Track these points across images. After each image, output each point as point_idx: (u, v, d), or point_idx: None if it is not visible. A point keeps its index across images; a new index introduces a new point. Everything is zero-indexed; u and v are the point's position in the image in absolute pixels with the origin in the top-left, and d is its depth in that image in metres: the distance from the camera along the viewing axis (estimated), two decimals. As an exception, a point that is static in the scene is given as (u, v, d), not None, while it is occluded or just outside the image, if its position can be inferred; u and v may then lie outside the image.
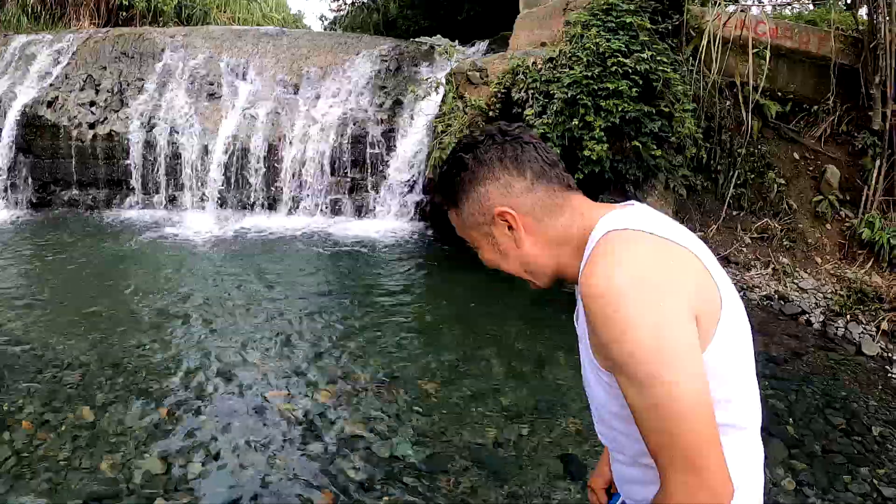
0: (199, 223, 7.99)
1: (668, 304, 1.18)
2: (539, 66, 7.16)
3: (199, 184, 8.77)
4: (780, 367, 5.85)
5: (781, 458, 4.51)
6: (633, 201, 1.45)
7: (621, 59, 6.51)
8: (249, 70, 9.87)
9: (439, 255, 7.57)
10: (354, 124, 8.83)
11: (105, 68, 9.86)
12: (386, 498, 3.73)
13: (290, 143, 8.88)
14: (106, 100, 9.38)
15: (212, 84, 9.74)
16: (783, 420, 5.02)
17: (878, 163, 8.10)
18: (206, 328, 5.38)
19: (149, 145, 8.89)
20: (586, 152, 6.68)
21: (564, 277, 1.47)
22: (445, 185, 1.47)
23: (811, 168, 8.54)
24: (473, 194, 1.40)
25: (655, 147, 6.87)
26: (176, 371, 4.74)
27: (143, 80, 9.71)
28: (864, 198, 8.13)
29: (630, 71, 6.52)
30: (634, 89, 6.53)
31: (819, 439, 4.87)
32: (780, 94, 8.59)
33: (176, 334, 5.24)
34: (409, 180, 8.52)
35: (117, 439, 3.93)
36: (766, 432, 4.79)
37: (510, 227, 1.41)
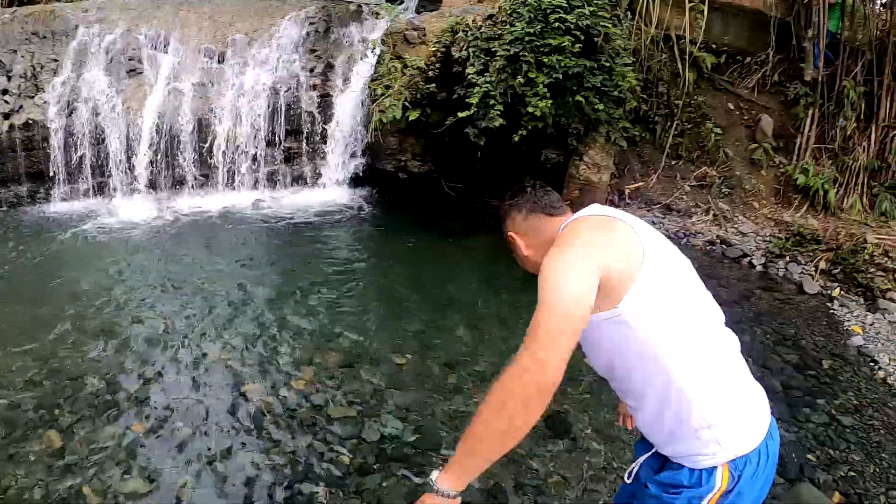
0: (131, 210, 7.49)
1: (575, 256, 1.77)
2: (479, 24, 7.07)
3: (128, 168, 8.33)
4: (731, 309, 5.96)
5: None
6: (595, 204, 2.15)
7: (563, 14, 6.48)
8: (171, 41, 9.41)
9: (386, 219, 7.47)
10: (287, 91, 8.52)
11: (15, 52, 9.18)
12: (385, 482, 3.66)
13: (220, 115, 8.56)
14: (19, 86, 8.78)
15: (132, 59, 9.23)
16: (741, 358, 5.15)
17: (810, 112, 8.34)
18: (160, 325, 4.99)
19: (70, 131, 8.35)
20: (530, 108, 6.65)
21: None
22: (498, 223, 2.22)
23: (746, 118, 8.72)
24: (503, 226, 2.18)
25: (597, 101, 6.89)
26: (139, 378, 4.36)
27: (57, 61, 9.14)
28: (797, 145, 8.36)
29: (572, 27, 6.49)
30: (576, 45, 6.51)
31: (776, 376, 5.01)
32: (714, 46, 8.73)
33: (129, 337, 4.82)
34: (348, 146, 8.34)
35: (94, 462, 3.60)
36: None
37: (518, 246, 2.12)
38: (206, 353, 4.67)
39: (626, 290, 1.77)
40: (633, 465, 2.19)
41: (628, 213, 1.99)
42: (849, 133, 8.24)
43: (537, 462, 3.89)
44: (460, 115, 6.79)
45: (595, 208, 2.03)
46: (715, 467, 1.87)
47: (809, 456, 4.16)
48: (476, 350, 5.00)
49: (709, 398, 1.85)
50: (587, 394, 4.55)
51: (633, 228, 1.87)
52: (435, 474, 1.71)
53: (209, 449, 3.79)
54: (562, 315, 1.64)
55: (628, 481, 2.20)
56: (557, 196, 2.15)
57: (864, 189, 8.06)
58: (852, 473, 4.06)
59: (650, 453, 2.11)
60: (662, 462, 2.03)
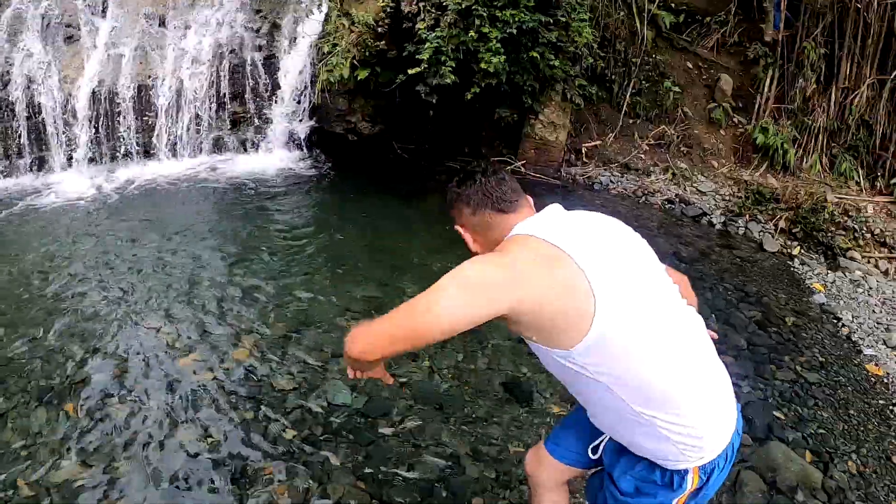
0: (71, 185, 6.99)
1: (478, 278, 1.67)
2: (429, -24, 6.75)
3: (67, 141, 7.86)
4: (693, 267, 5.80)
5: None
6: (554, 205, 1.94)
7: (517, -35, 6.19)
8: (110, 5, 8.94)
9: (336, 183, 7.13)
10: (231, 53, 8.11)
11: (-55, 23, 8.69)
12: (333, 456, 3.39)
13: (162, 81, 8.12)
14: (-50, 60, 8.29)
15: (69, 26, 8.69)
16: (705, 316, 4.95)
17: (770, 73, 8.18)
18: (99, 303, 4.56)
19: (4, 104, 7.85)
20: (482, 65, 6.37)
21: None
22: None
23: (705, 77, 8.54)
24: (451, 214, 2.06)
25: (553, 57, 6.63)
26: (76, 359, 3.94)
27: (-9, 31, 8.60)
28: (756, 105, 8.21)
29: (526, -22, 6.21)
30: (531, -1, 6.24)
31: (741, 333, 4.84)
32: (673, 5, 8.50)
33: (68, 317, 4.37)
34: (295, 108, 7.98)
35: (28, 452, 3.28)
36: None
37: (467, 240, 2.04)
38: (147, 329, 4.28)
39: (577, 338, 1.67)
40: (600, 439, 2.15)
41: (581, 223, 1.87)
42: (808, 94, 8.09)
43: (496, 429, 3.66)
44: (410, 72, 6.48)
45: (549, 220, 1.86)
46: (687, 470, 1.85)
47: (777, 414, 3.99)
48: (427, 312, 4.74)
49: (672, 418, 1.76)
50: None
51: (579, 266, 1.66)
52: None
53: (147, 429, 3.47)
54: (416, 326, 1.65)
55: (594, 457, 2.18)
56: (512, 186, 1.97)
57: (824, 149, 7.94)
58: (822, 431, 3.91)
59: (607, 439, 2.11)
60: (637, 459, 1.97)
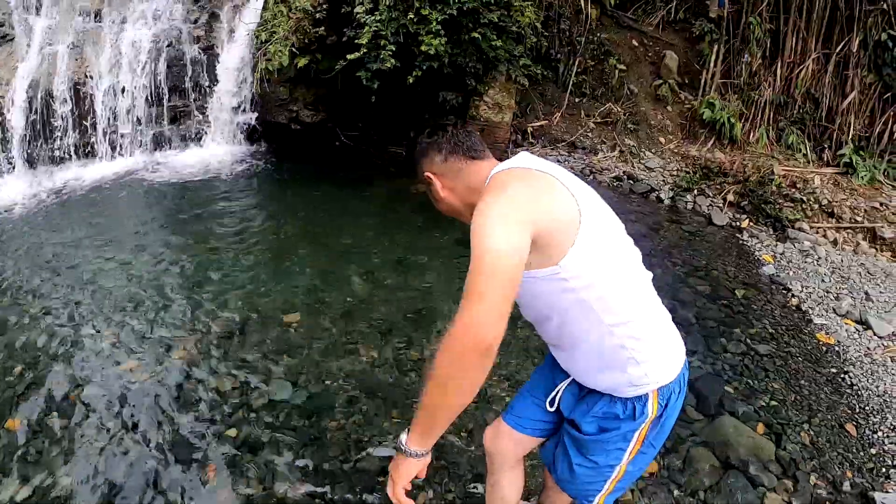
0: (7, 191, 6.70)
1: (504, 210, 1.64)
2: (365, -43, 6.57)
3: (2, 145, 7.53)
4: (640, 243, 5.64)
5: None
6: (523, 152, 1.98)
7: (455, -57, 6.05)
8: (44, 2, 8.63)
9: (280, 174, 6.93)
10: (168, 46, 7.86)
11: None
12: (276, 456, 3.26)
13: (99, 78, 7.85)
14: None
15: (2, 26, 8.42)
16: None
17: (715, 48, 8.16)
18: (36, 313, 4.30)
19: None
20: (423, 48, 6.21)
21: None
22: (413, 161, 2.22)
23: (650, 54, 8.49)
24: (418, 166, 2.06)
25: (495, 38, 6.50)
26: (13, 372, 3.74)
27: (-82, 33, 8.23)
28: (702, 81, 8.20)
29: (465, -43, 6.07)
30: (471, -23, 6.10)
31: (689, 308, 4.79)
32: (617, -18, 8.43)
33: (5, 324, 4.16)
34: (236, 100, 7.76)
35: None
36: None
37: (435, 186, 2.01)
38: (85, 335, 4.08)
39: (565, 250, 1.73)
40: (554, 392, 2.21)
41: (555, 165, 1.90)
42: (754, 69, 8.10)
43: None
44: (350, 57, 6.31)
45: (524, 159, 1.90)
46: (647, 395, 1.95)
47: (728, 388, 3.93)
48: (371, 299, 4.61)
49: (637, 340, 1.89)
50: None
51: (564, 185, 1.78)
52: (403, 437, 1.75)
53: (88, 438, 3.30)
54: (495, 272, 1.55)
55: (551, 409, 2.22)
56: (479, 139, 2.04)
57: (770, 123, 7.96)
58: (774, 403, 3.86)
59: (569, 381, 2.16)
60: (585, 391, 2.09)
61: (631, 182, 7.19)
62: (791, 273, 5.58)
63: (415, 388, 3.74)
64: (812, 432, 3.67)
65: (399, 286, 4.78)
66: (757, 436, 3.53)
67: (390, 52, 6.20)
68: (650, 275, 2.02)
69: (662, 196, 6.99)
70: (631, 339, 1.87)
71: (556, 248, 1.73)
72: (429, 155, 2.02)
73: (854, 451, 3.60)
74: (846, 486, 3.34)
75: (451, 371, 1.57)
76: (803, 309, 5.03)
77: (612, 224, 1.90)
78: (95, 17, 8.39)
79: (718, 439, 3.47)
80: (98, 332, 4.10)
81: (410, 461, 1.73)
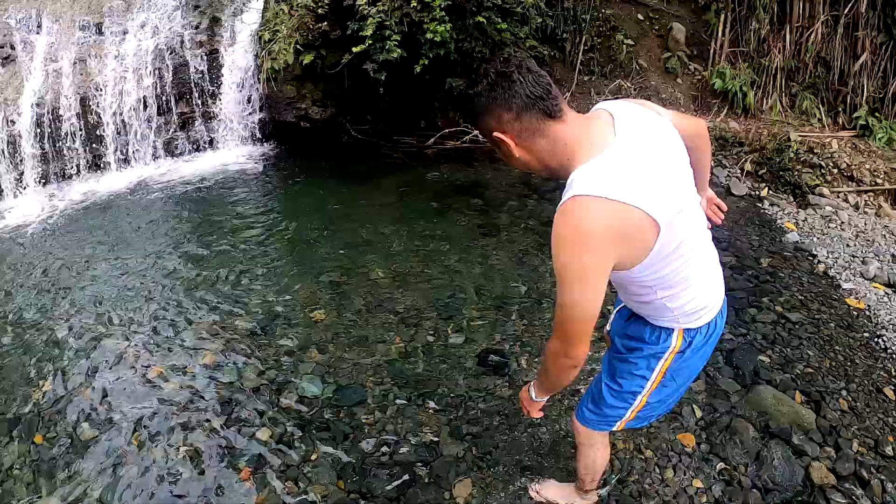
0: (23, 209, 6.62)
1: (586, 257, 1.72)
2: (364, -52, 6.52)
3: (13, 164, 7.52)
4: (663, 220, 5.69)
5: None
6: (609, 107, 1.90)
7: (454, -73, 5.99)
8: (44, 20, 8.60)
9: (293, 172, 6.90)
10: (172, 53, 7.82)
11: None
12: (311, 453, 3.25)
13: (104, 90, 7.84)
14: None
15: (2, 47, 8.41)
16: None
17: (722, 17, 8.03)
18: (60, 327, 4.25)
19: None
20: (429, 35, 6.16)
21: (556, 177, 1.90)
22: (465, 114, 2.17)
23: (657, 27, 8.39)
24: (480, 123, 1.87)
25: (500, 20, 6.44)
26: (41, 386, 3.74)
27: (-76, 57, 8.22)
28: (711, 51, 8.08)
29: (464, -60, 6.01)
30: (472, -39, 6.05)
31: (717, 279, 4.73)
32: (618, -44, 8.34)
33: (29, 343, 4.13)
34: (244, 101, 7.74)
35: (3, 488, 3.13)
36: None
37: (508, 146, 1.85)
38: (111, 345, 4.05)
39: (637, 263, 1.87)
40: (611, 315, 2.57)
41: (648, 142, 1.84)
42: (763, 35, 7.96)
43: (475, 404, 3.52)
44: (355, 50, 6.27)
45: (603, 171, 1.75)
46: (672, 329, 2.14)
47: (762, 357, 3.87)
48: (395, 290, 4.57)
49: (677, 303, 2.06)
50: (522, 323, 4.18)
51: (646, 210, 1.72)
52: (533, 391, 2.28)
53: (119, 449, 3.29)
54: (583, 318, 1.81)
55: (608, 328, 2.58)
56: (548, 80, 1.83)
57: (783, 89, 7.84)
58: (809, 370, 3.80)
59: (621, 305, 2.44)
60: (631, 313, 2.29)
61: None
62: (815, 239, 5.51)
63: (447, 377, 3.72)
64: (850, 398, 3.61)
65: (422, 275, 4.75)
66: (796, 404, 3.48)
67: (395, 43, 6.16)
68: (705, 221, 2.18)
69: (679, 170, 6.91)
70: (673, 300, 2.05)
71: (628, 264, 1.87)
72: (494, 113, 1.80)
73: (894, 414, 3.54)
74: (889, 451, 3.28)
75: (554, 374, 2.04)
76: (830, 275, 4.96)
77: (684, 214, 1.90)
78: (97, 30, 8.39)
79: (758, 410, 3.43)
80: (123, 341, 4.08)
81: (537, 403, 2.31)
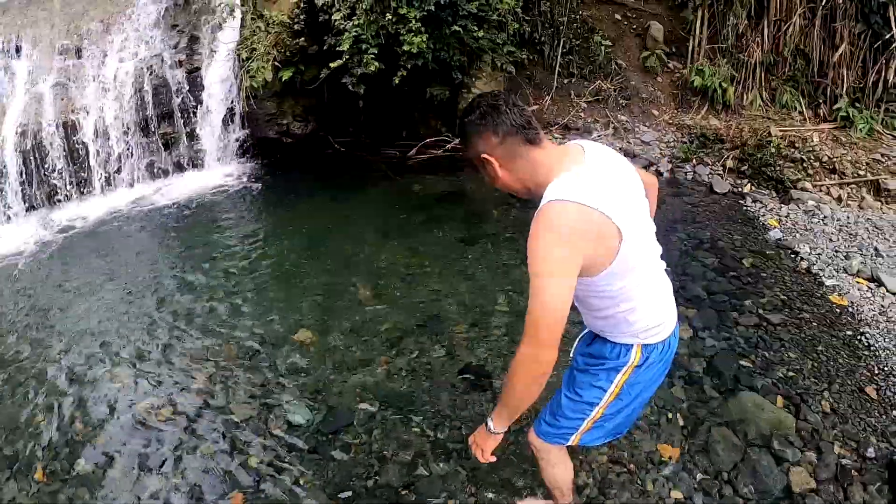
0: (10, 238, 6.60)
1: (560, 262, 1.88)
2: (337, -37, 6.52)
3: None
4: (645, 223, 5.70)
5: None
6: (580, 142, 2.20)
7: (427, -63, 5.99)
8: (23, 45, 8.56)
9: (276, 189, 6.88)
10: (151, 74, 7.80)
11: None
12: (300, 479, 3.26)
13: (86, 114, 7.81)
14: None
15: (-20, 74, 8.37)
16: (660, 270, 4.89)
17: (699, 13, 8.04)
18: (51, 360, 4.24)
19: None
20: (405, 47, 6.17)
21: (533, 197, 2.09)
22: (461, 138, 2.19)
23: (634, 26, 8.41)
24: (471, 146, 2.11)
25: (476, 28, 6.45)
26: (36, 421, 3.72)
27: None
28: (690, 48, 8.10)
29: (438, -50, 6.01)
30: (446, -29, 6.05)
31: (698, 282, 4.76)
32: (593, -43, 8.35)
33: (16, 377, 4.08)
34: (225, 119, 7.72)
35: None
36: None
37: (491, 167, 2.09)
38: (102, 377, 4.05)
39: (601, 271, 2.02)
40: (575, 343, 2.58)
41: (609, 170, 2.09)
42: (741, 30, 7.98)
43: (461, 422, 3.53)
44: (332, 65, 6.28)
45: (572, 181, 1.98)
46: (632, 345, 2.27)
47: (744, 362, 3.90)
48: (379, 309, 4.58)
49: (637, 317, 2.21)
50: (505, 338, 4.19)
51: (611, 217, 1.93)
52: (490, 422, 2.20)
53: (115, 481, 3.30)
54: (552, 325, 1.89)
55: (571, 354, 2.57)
56: (530, 114, 2.13)
57: (763, 84, 7.86)
58: (790, 373, 3.83)
59: (586, 332, 2.51)
60: (593, 337, 2.41)
61: (628, 159, 7.08)
62: (798, 235, 5.53)
63: (432, 395, 3.73)
64: (832, 399, 3.63)
65: (406, 293, 4.76)
66: (777, 409, 3.50)
67: (373, 56, 6.17)
68: (660, 250, 2.27)
69: (661, 169, 6.93)
70: (633, 313, 2.19)
71: (595, 269, 2.02)
72: (483, 136, 2.06)
73: (876, 414, 3.56)
74: (870, 453, 3.30)
75: (522, 385, 2.01)
76: (813, 272, 4.98)
77: (643, 233, 2.13)
78: (76, 54, 8.34)
79: (738, 417, 3.45)
80: (115, 373, 4.07)
81: (495, 437, 2.23)
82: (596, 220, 1.91)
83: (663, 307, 2.29)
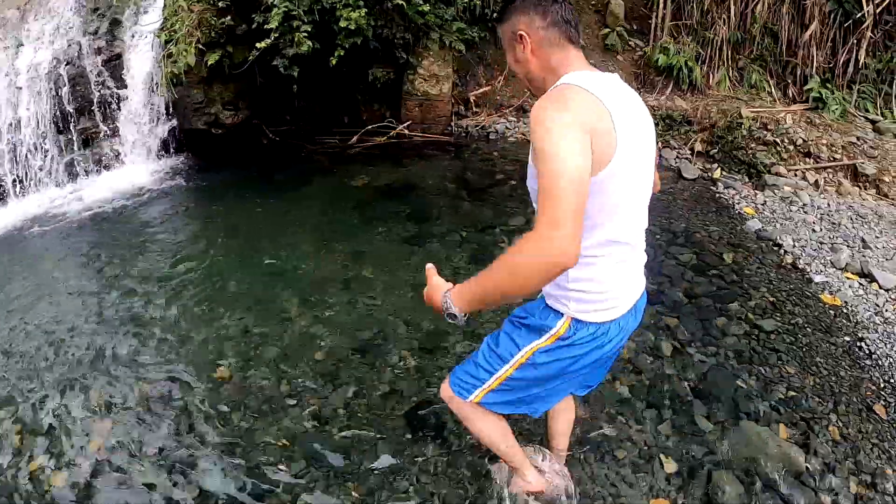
0: None
1: (567, 127, 1.63)
2: (265, -67, 5.83)
3: None
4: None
5: (648, 320, 3.77)
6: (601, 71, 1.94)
7: None
8: (-69, 36, 7.74)
9: (205, 188, 6.16)
10: (68, 64, 7.01)
11: None
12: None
13: (-3, 111, 7.00)
14: None
15: None
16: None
17: (663, -12, 7.53)
18: None
19: None
20: (342, 23, 5.55)
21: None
22: (502, 9, 2.03)
23: (594, 2, 7.88)
24: (512, 18, 1.96)
25: (421, 3, 5.84)
26: None
27: None
28: (653, 25, 7.60)
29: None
30: (383, -60, 5.43)
31: (678, 284, 4.22)
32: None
33: None
34: (149, 111, 6.98)
35: None
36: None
37: (524, 46, 1.94)
38: None
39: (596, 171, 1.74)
40: None
41: (621, 91, 1.86)
42: (706, 7, 7.49)
43: (404, 482, 2.87)
44: (259, 45, 5.62)
45: (584, 75, 1.82)
46: (561, 314, 1.99)
47: (738, 382, 3.34)
48: (312, 331, 3.91)
49: (588, 276, 1.92)
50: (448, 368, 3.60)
51: (607, 110, 1.73)
52: (450, 296, 1.81)
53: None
54: (569, 197, 1.58)
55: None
56: (577, 17, 1.98)
57: (730, 63, 7.39)
58: (791, 392, 3.29)
59: None
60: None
61: (589, 143, 6.60)
62: (778, 226, 5.04)
63: (372, 445, 3.08)
64: (840, 423, 3.12)
65: (343, 308, 4.11)
66: (782, 441, 2.95)
67: (305, 34, 5.54)
68: (646, 222, 2.02)
69: (625, 155, 6.40)
70: (583, 272, 1.90)
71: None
72: (529, 13, 1.92)
73: (889, 437, 3.06)
74: (889, 487, 2.80)
75: (523, 275, 1.63)
76: (800, 267, 4.49)
77: (638, 174, 1.88)
78: (-10, 45, 7.52)
79: (740, 455, 2.89)
80: (8, 422, 3.38)
81: (442, 312, 1.86)
82: (603, 115, 1.71)
83: (617, 284, 1.99)
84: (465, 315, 1.82)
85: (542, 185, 1.60)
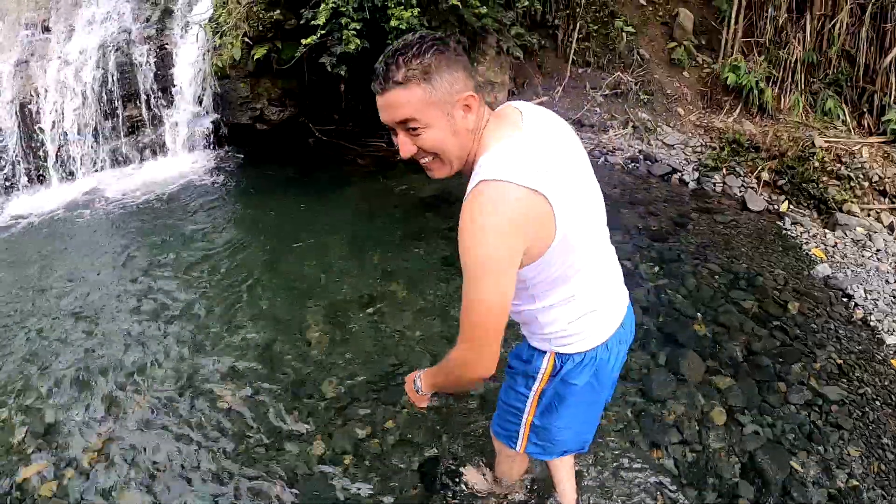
0: None
1: (496, 244, 1.57)
2: (319, -77, 5.59)
3: None
4: (667, 245, 4.80)
5: (700, 377, 3.43)
6: (517, 104, 1.80)
7: None
8: (-12, 19, 7.75)
9: (245, 185, 5.95)
10: (117, 51, 6.92)
11: None
12: None
13: (46, 95, 6.95)
14: None
15: (-59, 50, 7.51)
16: (687, 316, 3.95)
17: (735, 2, 7.08)
18: None
19: None
20: (394, 22, 5.29)
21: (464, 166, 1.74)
22: (421, 61, 1.59)
23: (661, 13, 7.47)
24: (449, 75, 1.60)
25: (479, 4, 5.54)
26: None
27: None
28: (723, 41, 7.17)
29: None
30: (444, -65, 5.17)
31: (735, 337, 3.84)
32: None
33: None
34: (195, 103, 6.87)
35: None
36: (675, 343, 3.68)
37: (471, 111, 1.66)
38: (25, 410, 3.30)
39: (529, 263, 1.70)
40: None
41: (550, 149, 1.70)
42: (781, 24, 7.04)
43: None
44: (305, 42, 5.39)
45: (509, 154, 1.63)
46: (545, 352, 1.99)
47: (793, 463, 2.98)
48: (331, 355, 3.65)
49: (558, 323, 1.90)
50: (484, 418, 3.30)
51: (550, 202, 1.61)
52: (419, 381, 2.00)
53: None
54: (490, 323, 1.64)
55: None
56: None
57: (804, 86, 6.92)
58: (853, 482, 2.91)
59: None
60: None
61: (649, 163, 6.21)
62: (849, 273, 4.62)
63: (378, 491, 2.83)
64: (910, 526, 2.75)
65: (366, 330, 3.85)
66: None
67: (354, 32, 5.28)
68: (607, 234, 1.97)
69: (686, 178, 6.01)
70: (552, 324, 1.91)
71: (529, 257, 1.70)
72: (464, 64, 1.65)
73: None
74: None
75: (454, 382, 1.86)
76: (871, 324, 4.08)
77: (585, 221, 1.80)
78: (43, 28, 7.53)
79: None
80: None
81: (423, 396, 2.03)
82: (536, 204, 1.60)
83: (595, 315, 1.94)
84: (432, 393, 2.00)
85: (465, 302, 1.64)
